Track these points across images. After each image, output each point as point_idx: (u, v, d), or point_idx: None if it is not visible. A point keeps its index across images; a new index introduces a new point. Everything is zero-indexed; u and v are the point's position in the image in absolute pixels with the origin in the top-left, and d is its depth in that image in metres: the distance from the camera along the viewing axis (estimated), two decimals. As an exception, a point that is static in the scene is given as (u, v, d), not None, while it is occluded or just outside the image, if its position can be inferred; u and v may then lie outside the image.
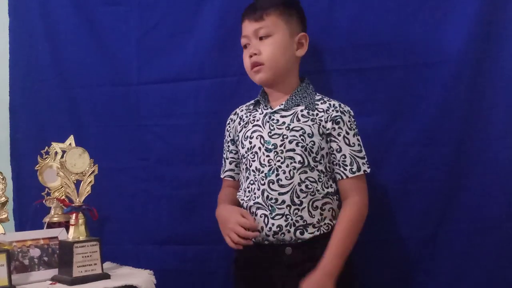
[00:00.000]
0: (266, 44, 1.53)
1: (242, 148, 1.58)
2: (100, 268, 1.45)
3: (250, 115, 1.60)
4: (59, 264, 1.47)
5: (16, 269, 1.43)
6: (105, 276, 1.45)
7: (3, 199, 1.43)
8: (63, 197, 1.64)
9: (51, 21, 1.95)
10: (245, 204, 1.54)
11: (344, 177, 1.49)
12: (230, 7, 1.79)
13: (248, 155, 1.55)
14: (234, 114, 1.66)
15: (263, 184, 1.50)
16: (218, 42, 1.81)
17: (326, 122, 1.50)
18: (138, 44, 1.88)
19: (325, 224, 1.48)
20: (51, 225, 1.62)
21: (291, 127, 1.51)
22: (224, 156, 1.67)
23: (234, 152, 1.64)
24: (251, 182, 1.53)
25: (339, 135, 1.50)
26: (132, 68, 1.88)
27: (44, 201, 1.67)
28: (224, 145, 1.68)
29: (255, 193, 1.51)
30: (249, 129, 1.57)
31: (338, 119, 1.50)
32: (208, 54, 1.82)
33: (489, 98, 1.64)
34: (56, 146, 1.68)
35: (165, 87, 1.86)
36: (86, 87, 1.92)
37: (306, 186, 1.47)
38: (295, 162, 1.48)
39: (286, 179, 1.48)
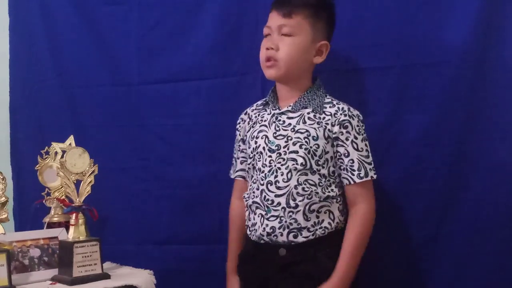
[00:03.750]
0: (286, 42, 1.49)
1: (249, 148, 1.57)
2: (100, 268, 1.45)
3: (258, 115, 1.59)
4: (59, 264, 1.47)
5: (16, 269, 1.43)
6: (105, 276, 1.45)
7: (3, 199, 1.43)
8: (63, 197, 1.64)
9: (51, 21, 1.95)
10: (245, 202, 1.55)
11: (352, 182, 1.47)
12: (230, 7, 1.79)
13: (254, 155, 1.54)
14: (245, 114, 1.64)
15: (262, 185, 1.49)
16: (218, 42, 1.81)
17: (333, 125, 1.48)
18: (138, 44, 1.88)
19: (321, 228, 1.46)
20: (51, 225, 1.62)
21: (296, 129, 1.49)
22: (235, 155, 1.66)
23: (244, 151, 1.62)
24: (254, 181, 1.53)
25: (347, 139, 1.47)
26: (132, 68, 1.88)
27: (44, 201, 1.67)
28: (235, 145, 1.66)
29: (254, 192, 1.52)
30: (256, 129, 1.56)
31: (346, 123, 1.47)
32: (208, 54, 1.82)
33: (490, 98, 1.63)
34: (56, 146, 1.68)
35: (165, 87, 1.86)
36: (86, 87, 1.92)
37: (303, 189, 1.46)
38: (297, 164, 1.46)
39: (283, 181, 1.47)
